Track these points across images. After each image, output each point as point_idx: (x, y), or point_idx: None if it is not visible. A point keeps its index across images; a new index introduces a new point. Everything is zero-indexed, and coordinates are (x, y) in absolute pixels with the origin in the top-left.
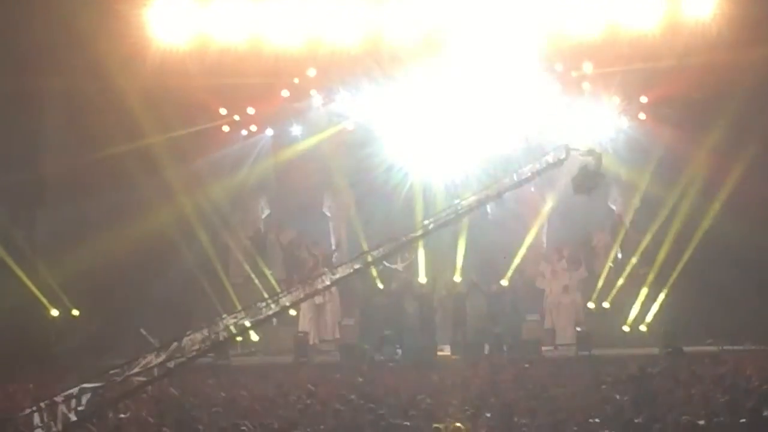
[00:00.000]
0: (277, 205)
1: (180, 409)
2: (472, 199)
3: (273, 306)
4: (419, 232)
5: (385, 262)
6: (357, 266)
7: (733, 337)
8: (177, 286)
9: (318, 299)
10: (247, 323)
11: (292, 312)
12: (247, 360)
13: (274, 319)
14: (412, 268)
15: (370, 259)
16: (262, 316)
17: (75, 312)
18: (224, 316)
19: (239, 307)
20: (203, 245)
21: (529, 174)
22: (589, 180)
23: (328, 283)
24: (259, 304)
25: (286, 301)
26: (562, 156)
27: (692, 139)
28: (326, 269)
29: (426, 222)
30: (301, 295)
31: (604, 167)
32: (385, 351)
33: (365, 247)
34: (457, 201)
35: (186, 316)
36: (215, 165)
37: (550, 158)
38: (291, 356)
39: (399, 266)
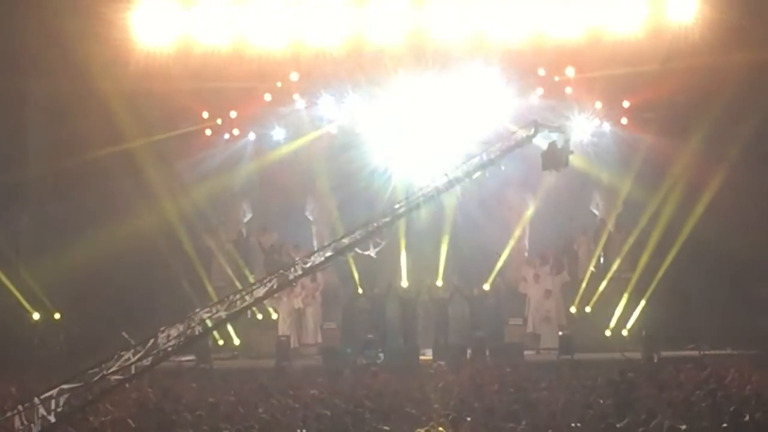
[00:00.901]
0: (259, 209)
1: (162, 413)
2: (442, 181)
3: (247, 298)
4: (390, 217)
5: (357, 249)
6: (329, 254)
7: (714, 341)
8: (159, 289)
9: (299, 303)
10: (223, 315)
11: (274, 316)
12: (229, 364)
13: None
14: (395, 267)
15: (341, 246)
16: (236, 309)
17: (57, 315)
18: (198, 310)
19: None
20: (185, 248)
21: (499, 152)
22: (558, 157)
23: (300, 272)
24: (232, 296)
25: (260, 292)
26: (531, 132)
27: (674, 143)
28: (298, 259)
29: (396, 206)
30: (275, 286)
31: (572, 143)
32: (367, 355)
33: None
34: (426, 184)
35: (168, 319)
36: (198, 168)
37: (518, 135)
38: (273, 360)
39: (371, 252)
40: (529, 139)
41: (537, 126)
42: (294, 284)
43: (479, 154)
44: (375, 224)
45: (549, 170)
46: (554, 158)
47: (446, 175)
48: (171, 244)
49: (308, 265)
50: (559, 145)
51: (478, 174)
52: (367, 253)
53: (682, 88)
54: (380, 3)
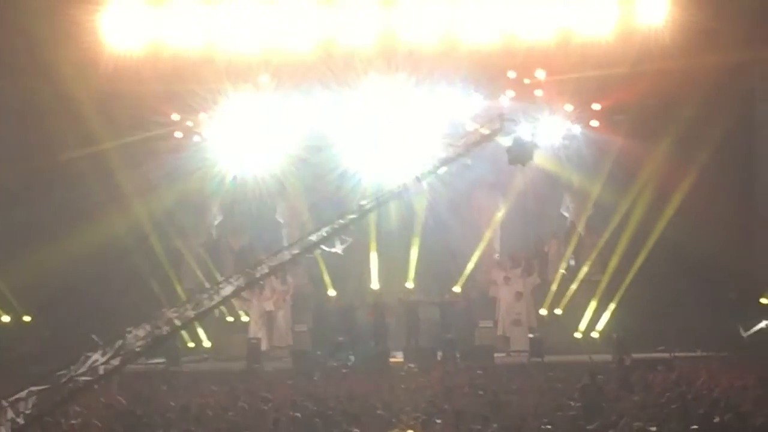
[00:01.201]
0: (229, 212)
1: (132, 416)
2: (408, 177)
3: (215, 297)
4: (357, 214)
5: (324, 246)
6: (296, 251)
7: (684, 343)
8: (129, 292)
9: (269, 305)
10: (191, 315)
11: (244, 318)
12: (200, 366)
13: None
14: (365, 270)
15: (308, 243)
16: (204, 308)
17: (26, 318)
18: (164, 310)
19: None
20: (156, 251)
21: (464, 147)
22: (524, 151)
23: (267, 270)
24: (199, 295)
25: (227, 291)
26: (497, 126)
27: (644, 146)
28: (264, 257)
29: (363, 203)
30: (242, 284)
31: (542, 144)
32: (337, 357)
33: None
34: (392, 179)
35: (138, 321)
36: (168, 171)
37: (484, 129)
38: (243, 362)
39: (338, 249)
40: (495, 133)
41: (503, 120)
42: (261, 282)
43: (445, 150)
44: (342, 221)
45: (515, 164)
46: (520, 152)
47: (412, 171)
48: (141, 247)
49: (275, 263)
50: (525, 139)
51: (444, 169)
52: (333, 250)
53: (652, 91)
54: (350, 5)
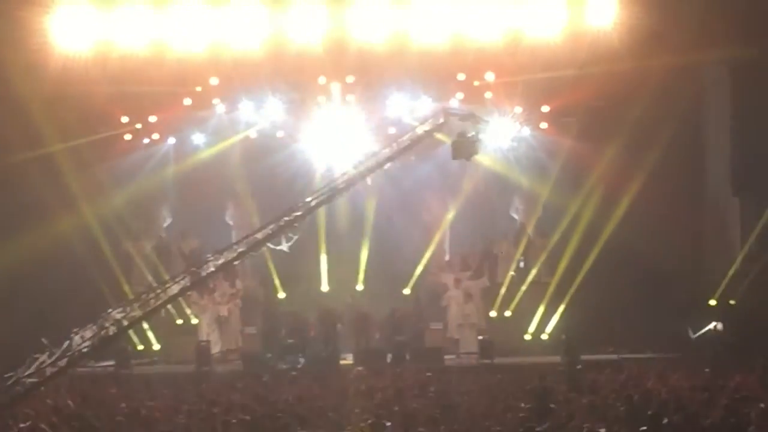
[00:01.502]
0: (179, 214)
1: (81, 419)
2: (352, 172)
3: (162, 296)
4: (302, 211)
5: (269, 244)
6: (241, 250)
7: (633, 345)
8: (78, 296)
9: (219, 308)
10: (138, 314)
11: (194, 321)
12: (149, 369)
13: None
14: (315, 272)
15: (253, 241)
16: (151, 308)
17: None
18: (110, 310)
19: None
20: (105, 254)
21: (409, 142)
22: (468, 145)
23: (213, 269)
24: (145, 295)
25: (174, 290)
26: (441, 120)
27: (593, 148)
28: (210, 255)
29: (308, 199)
30: (189, 284)
31: (483, 132)
32: (287, 360)
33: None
34: (336, 176)
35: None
36: (117, 173)
37: (428, 124)
38: (193, 365)
39: (284, 247)
40: (440, 127)
41: (447, 114)
42: (208, 281)
43: (389, 146)
44: (287, 218)
45: (459, 159)
46: (464, 147)
47: (357, 166)
48: (90, 250)
49: (221, 261)
50: (469, 134)
51: (389, 165)
52: (280, 248)
53: (601, 93)
54: (299, 7)
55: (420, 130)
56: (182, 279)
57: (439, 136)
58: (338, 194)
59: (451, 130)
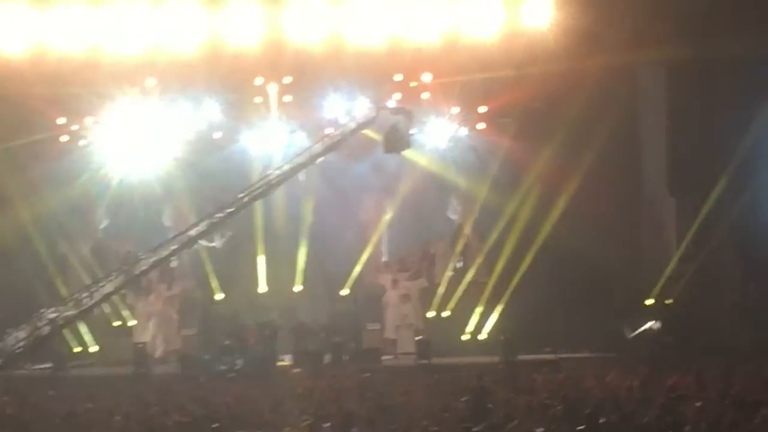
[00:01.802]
0: (116, 216)
1: (18, 421)
2: (285, 168)
3: (96, 295)
4: (234, 207)
5: (202, 241)
6: (174, 247)
7: (571, 345)
8: (13, 297)
9: (157, 309)
10: (72, 314)
11: (131, 322)
12: (87, 371)
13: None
14: (253, 273)
15: (186, 238)
16: (85, 307)
17: None
18: (43, 310)
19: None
20: (41, 255)
21: (341, 136)
22: (400, 139)
23: (145, 267)
24: (77, 295)
25: (108, 288)
26: (373, 115)
27: (530, 148)
28: (142, 254)
29: (240, 195)
30: (122, 282)
31: (414, 126)
32: (225, 361)
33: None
34: (269, 172)
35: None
36: (53, 175)
37: (360, 118)
38: (131, 367)
39: (217, 244)
40: (371, 121)
41: (378, 108)
42: (141, 280)
43: (321, 139)
44: (219, 215)
45: (391, 152)
46: (396, 141)
47: (289, 161)
48: (26, 251)
49: (153, 258)
50: (401, 127)
51: (321, 159)
52: (213, 245)
53: (537, 94)
54: (236, 8)
55: (352, 124)
56: (115, 277)
57: (374, 135)
58: (271, 190)
59: (383, 126)
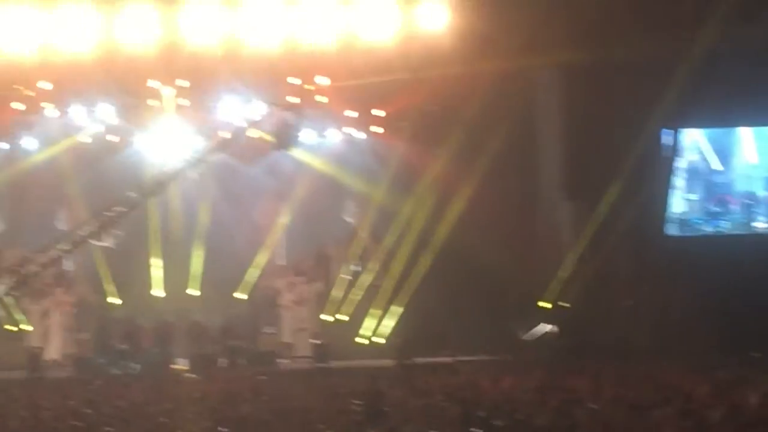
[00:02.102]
0: (10, 221)
1: None
2: (176, 166)
3: None
4: (124, 206)
5: (92, 240)
6: (65, 247)
7: (467, 348)
8: None
9: (51, 313)
10: None
11: (26, 326)
12: None
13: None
14: (148, 277)
15: (76, 238)
16: None
17: None
18: None
19: None
20: None
21: (230, 135)
22: (288, 136)
23: (36, 269)
24: None
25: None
26: (264, 111)
27: (427, 152)
28: (29, 256)
29: (129, 193)
30: (13, 284)
31: (303, 123)
32: (120, 365)
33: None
34: (158, 170)
35: None
36: None
37: (251, 115)
38: (24, 371)
39: (109, 243)
40: (263, 119)
41: (270, 105)
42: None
43: (213, 139)
44: (109, 214)
45: (280, 149)
46: (285, 137)
47: (180, 160)
48: None
49: (43, 259)
50: (290, 124)
51: (214, 158)
52: (104, 244)
53: (434, 97)
54: (131, 10)
55: (242, 122)
56: (8, 279)
57: (268, 137)
58: (160, 188)
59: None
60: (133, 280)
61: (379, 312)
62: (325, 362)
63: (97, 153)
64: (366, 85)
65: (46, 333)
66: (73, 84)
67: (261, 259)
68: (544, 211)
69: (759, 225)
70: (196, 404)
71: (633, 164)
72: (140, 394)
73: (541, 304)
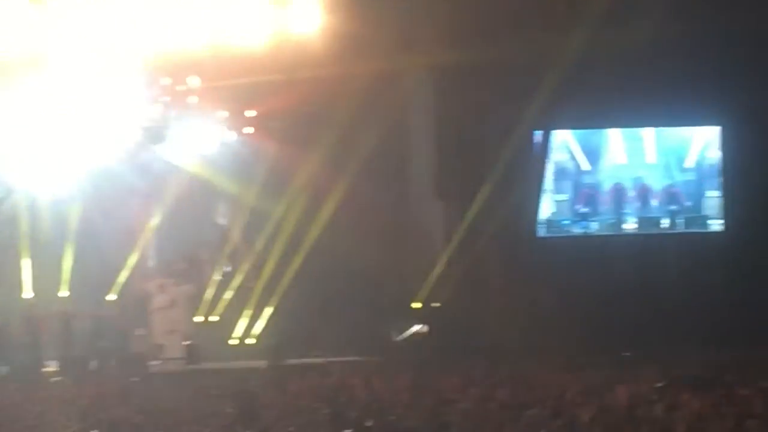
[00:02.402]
0: None
1: None
2: (33, 163)
3: None
4: None
5: None
6: None
7: (339, 348)
8: None
9: None
10: None
11: None
12: None
13: None
14: (17, 278)
15: None
16: None
17: None
18: None
19: None
20: None
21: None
22: (157, 132)
23: None
24: None
25: None
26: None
27: (300, 153)
28: None
29: None
30: None
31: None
32: None
33: None
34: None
35: None
36: None
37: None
38: None
39: None
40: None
41: (137, 101)
42: None
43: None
44: None
45: (150, 144)
46: (153, 133)
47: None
48: None
49: None
50: (158, 119)
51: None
52: None
53: (306, 98)
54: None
55: (111, 119)
56: None
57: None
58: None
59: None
60: (2, 280)
61: (251, 313)
62: (197, 364)
63: None
64: (238, 86)
65: None
66: None
67: (132, 261)
68: (416, 211)
69: (627, 226)
70: (67, 407)
71: (505, 165)
72: (9, 397)
73: (412, 304)
